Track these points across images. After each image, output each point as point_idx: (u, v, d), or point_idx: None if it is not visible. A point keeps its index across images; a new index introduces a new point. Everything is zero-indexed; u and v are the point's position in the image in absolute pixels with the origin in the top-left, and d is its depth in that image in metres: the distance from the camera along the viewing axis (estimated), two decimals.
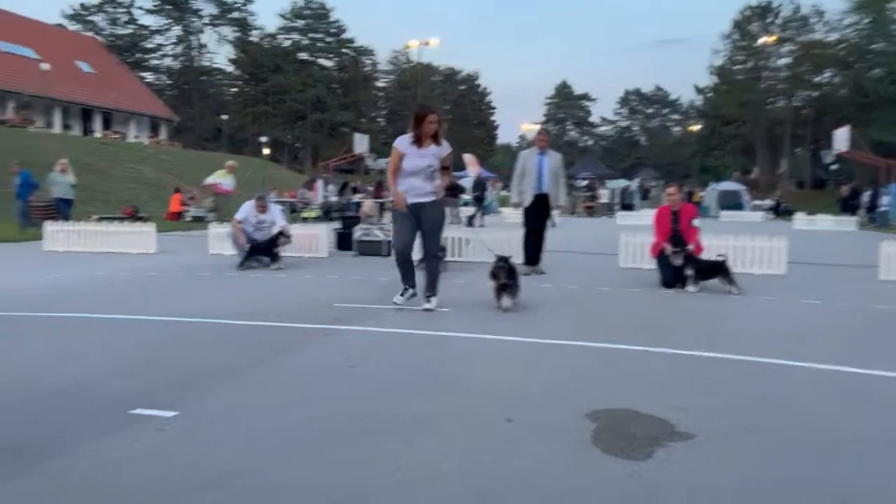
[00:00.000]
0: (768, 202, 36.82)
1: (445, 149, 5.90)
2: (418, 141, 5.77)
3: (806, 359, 4.26)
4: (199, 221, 22.18)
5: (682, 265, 7.28)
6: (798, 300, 6.87)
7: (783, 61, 58.56)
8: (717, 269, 7.26)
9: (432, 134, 5.79)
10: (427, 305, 5.90)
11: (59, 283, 7.74)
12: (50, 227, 12.15)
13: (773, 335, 5.18)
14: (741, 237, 9.43)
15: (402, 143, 5.87)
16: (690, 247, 7.41)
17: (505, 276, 5.85)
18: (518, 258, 9.49)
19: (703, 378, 3.83)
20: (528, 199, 8.66)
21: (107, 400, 3.25)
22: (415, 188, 5.82)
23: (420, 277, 6.05)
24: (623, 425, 2.99)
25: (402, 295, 6.04)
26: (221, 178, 13.81)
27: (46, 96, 37.31)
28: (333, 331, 5.04)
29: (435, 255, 6.05)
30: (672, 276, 7.50)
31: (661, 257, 7.71)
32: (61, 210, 15.13)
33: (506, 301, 5.86)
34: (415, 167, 5.78)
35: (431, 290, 6.00)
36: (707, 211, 32.77)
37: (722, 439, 2.83)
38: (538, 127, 9.38)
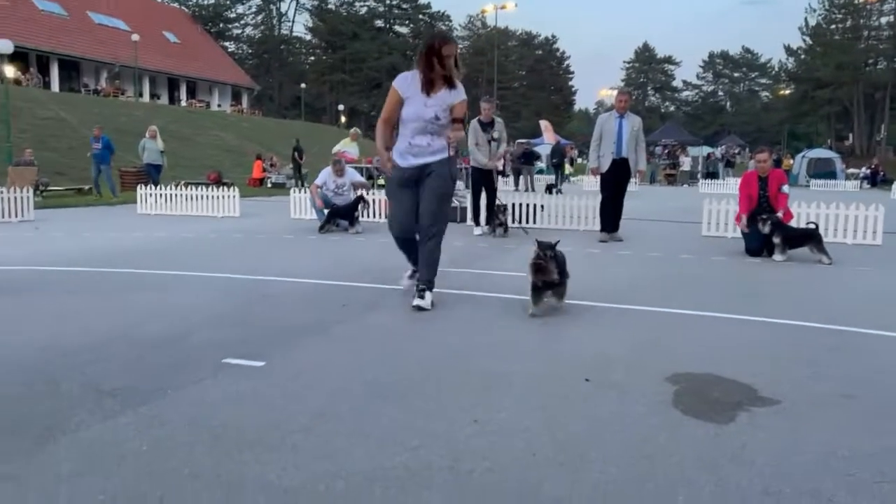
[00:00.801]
0: (864, 170, 34.80)
1: (459, 94, 4.40)
2: (428, 84, 4.33)
3: None
4: (280, 188, 22.84)
5: (769, 233, 6.99)
6: (895, 271, 6.50)
7: (885, 20, 54.56)
8: (808, 237, 6.95)
9: (446, 75, 4.32)
10: (418, 302, 4.33)
11: (152, 242, 8.15)
12: (141, 192, 12.77)
13: (867, 305, 4.93)
14: (833, 205, 8.96)
15: (404, 82, 4.45)
16: (779, 213, 7.10)
17: (549, 272, 4.17)
18: (588, 229, 9.38)
19: (790, 346, 3.69)
20: (605, 164, 8.47)
21: (200, 350, 3.43)
22: (417, 146, 4.40)
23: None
24: (705, 389, 2.93)
25: (409, 277, 4.85)
26: (347, 147, 14.24)
27: (136, 66, 38.84)
28: (408, 291, 5.11)
29: (435, 235, 4.45)
30: (758, 245, 7.23)
31: (746, 224, 7.43)
32: (151, 175, 15.84)
33: (550, 301, 4.34)
34: (417, 117, 4.35)
35: (427, 281, 4.46)
36: (796, 180, 31.27)
37: (809, 407, 2.73)
38: (615, 92, 9.07)
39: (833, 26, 56.77)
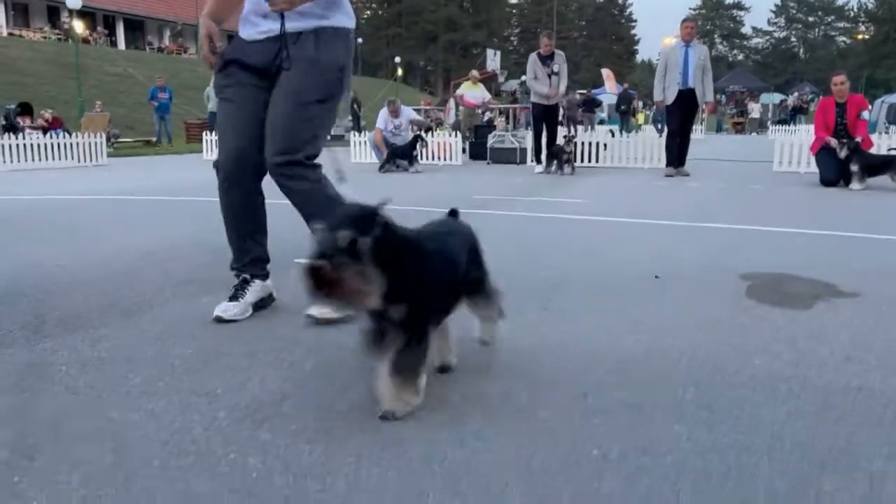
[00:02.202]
0: None
1: None
2: None
3: None
4: (339, 140, 23.00)
5: (846, 159, 6.67)
6: None
7: None
8: (889, 164, 6.60)
9: None
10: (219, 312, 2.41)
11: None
12: (207, 139, 13.06)
13: None
14: None
15: None
16: (858, 139, 6.76)
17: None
18: (654, 167, 9.14)
19: (864, 254, 3.56)
20: (671, 96, 8.20)
21: (276, 251, 3.51)
22: None
23: None
24: (780, 285, 2.86)
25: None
26: (467, 90, 13.66)
27: (197, 24, 39.41)
28: (473, 214, 5.11)
29: (294, 177, 2.48)
30: (834, 174, 6.92)
31: (820, 153, 7.11)
32: (212, 124, 16.17)
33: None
34: None
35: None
36: (875, 128, 29.65)
37: (890, 300, 2.63)
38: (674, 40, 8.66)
39: None
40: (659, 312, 2.43)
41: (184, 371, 1.87)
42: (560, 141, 9.01)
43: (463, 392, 1.72)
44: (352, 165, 11.00)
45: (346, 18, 2.32)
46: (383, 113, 10.29)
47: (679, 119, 8.33)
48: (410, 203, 5.70)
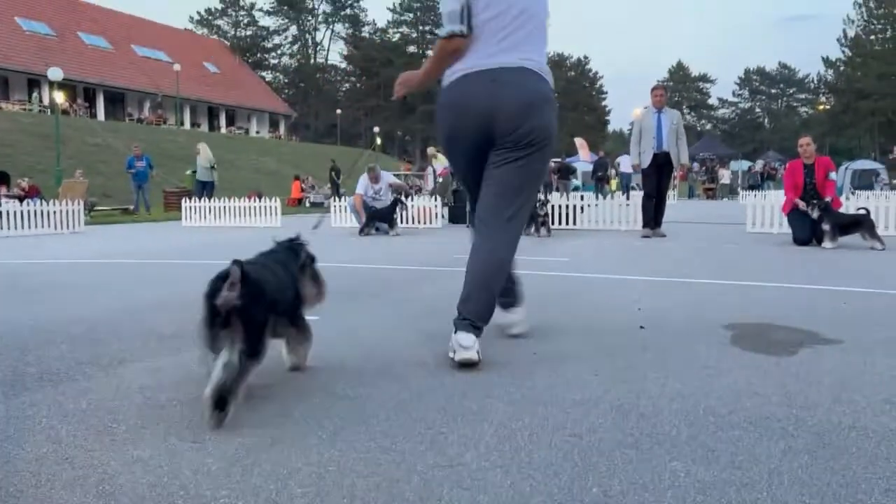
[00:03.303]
0: None
1: None
2: None
3: None
4: (319, 207, 23.14)
5: (818, 219, 6.85)
6: None
7: None
8: (859, 223, 6.78)
9: None
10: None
11: (200, 243, 8.33)
12: (186, 205, 13.08)
13: None
14: (884, 197, 8.75)
15: None
16: (828, 199, 6.96)
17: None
18: (630, 229, 9.31)
19: (849, 305, 3.61)
20: (647, 160, 8.43)
21: None
22: None
23: None
24: (763, 333, 2.89)
25: None
26: (437, 164, 14.89)
27: (177, 96, 39.98)
28: (456, 271, 5.13)
29: None
30: (807, 234, 7.08)
31: (793, 214, 7.30)
32: (199, 193, 16.17)
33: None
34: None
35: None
36: (841, 192, 30.56)
37: (872, 345, 2.66)
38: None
39: (872, 37, 55.86)
40: (647, 361, 2.44)
41: (171, 419, 1.82)
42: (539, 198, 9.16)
43: (461, 433, 1.70)
44: (331, 229, 11.05)
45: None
46: (363, 179, 10.41)
47: (655, 182, 8.53)
48: (390, 263, 5.75)
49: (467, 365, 2.28)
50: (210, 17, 65.85)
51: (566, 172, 24.04)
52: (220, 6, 65.74)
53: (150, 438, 1.67)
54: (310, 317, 3.21)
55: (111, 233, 11.42)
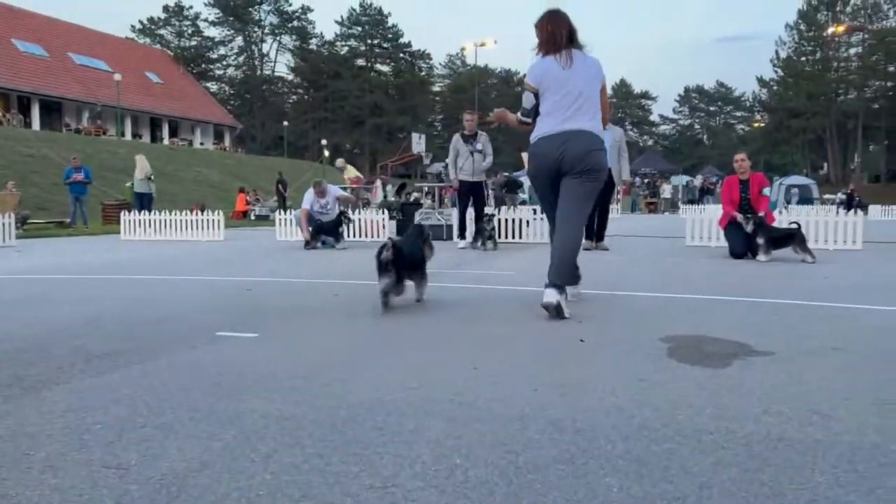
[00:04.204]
0: (840, 195, 35.40)
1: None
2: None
3: (889, 304, 4.10)
4: (265, 220, 22.78)
5: (753, 233, 7.08)
6: (879, 266, 6.61)
7: (854, 51, 56.27)
8: (791, 237, 7.04)
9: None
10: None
11: (138, 258, 8.09)
12: (125, 218, 12.71)
13: (854, 288, 5.00)
14: (815, 212, 9.12)
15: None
16: (762, 214, 7.21)
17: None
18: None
19: (780, 316, 3.73)
20: None
21: (193, 326, 3.40)
22: None
23: None
24: (698, 345, 2.95)
25: None
26: (352, 173, 15.13)
27: (118, 106, 38.94)
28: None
29: None
30: (742, 247, 7.31)
31: (729, 228, 7.53)
32: (136, 206, 15.74)
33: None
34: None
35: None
36: (775, 206, 31.75)
37: (802, 356, 2.75)
38: None
39: (803, 58, 58.37)
40: (585, 374, 2.46)
41: (94, 444, 1.75)
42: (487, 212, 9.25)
43: (396, 452, 1.68)
44: (277, 242, 10.88)
45: None
46: (309, 193, 10.31)
47: (597, 197, 8.66)
48: (334, 277, 5.69)
49: (547, 308, 3.55)
50: (153, 27, 64.49)
51: (513, 186, 24.31)
52: (163, 15, 64.47)
53: (71, 466, 1.60)
54: (249, 334, 3.16)
55: (45, 247, 10.99)
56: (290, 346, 2.91)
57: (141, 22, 64.16)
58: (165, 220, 12.45)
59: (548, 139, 3.86)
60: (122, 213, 12.94)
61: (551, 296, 3.54)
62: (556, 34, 3.91)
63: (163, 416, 1.98)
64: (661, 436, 1.81)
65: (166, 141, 44.99)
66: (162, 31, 64.88)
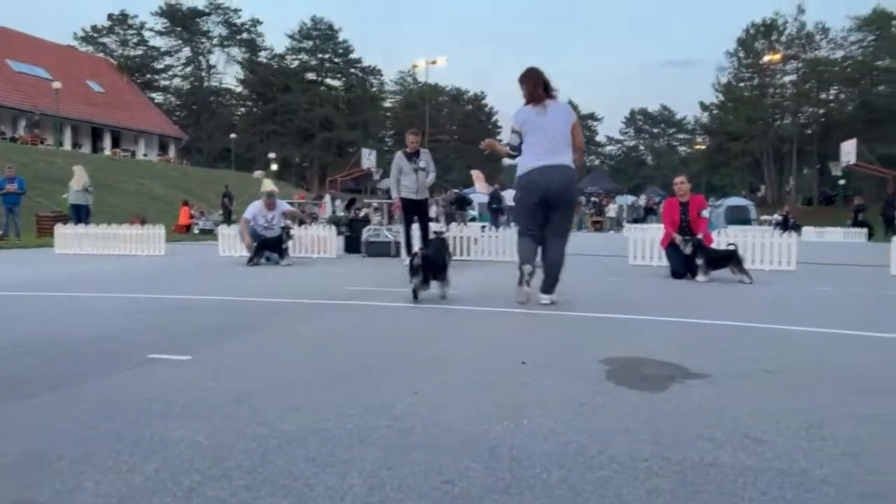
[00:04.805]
0: (776, 217, 36.71)
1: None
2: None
3: (823, 326, 4.24)
4: (209, 234, 22.29)
5: (692, 254, 7.25)
6: (811, 287, 6.84)
7: (789, 78, 58.74)
8: (729, 258, 7.23)
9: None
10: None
11: (72, 274, 7.79)
12: (60, 231, 12.24)
13: (787, 310, 5.16)
14: (752, 234, 9.40)
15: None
16: (700, 236, 7.39)
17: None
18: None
19: (715, 338, 3.81)
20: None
21: (125, 348, 3.27)
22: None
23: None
24: (637, 368, 2.98)
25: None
26: (268, 187, 14.99)
27: (57, 115, 37.69)
28: (345, 305, 5.05)
29: None
30: (682, 267, 7.48)
31: (670, 248, 7.70)
32: (73, 218, 15.17)
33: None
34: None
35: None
36: (715, 226, 32.72)
37: (737, 379, 2.81)
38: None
39: (742, 84, 60.54)
40: (526, 398, 2.45)
41: (5, 479, 1.64)
42: (431, 236, 9.20)
43: (328, 484, 1.62)
44: (219, 258, 10.64)
45: None
46: (256, 205, 10.10)
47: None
48: (274, 295, 5.56)
49: (547, 303, 4.94)
50: (96, 35, 62.74)
51: (463, 203, 24.43)
52: (107, 24, 62.85)
53: None
54: (182, 356, 3.05)
55: None
56: (223, 370, 2.82)
57: (84, 30, 62.39)
58: (103, 234, 12.04)
59: (536, 171, 4.95)
60: (58, 226, 12.45)
61: (545, 298, 5.00)
62: (534, 90, 5.05)
63: (83, 446, 1.88)
64: (596, 463, 1.81)
65: (108, 151, 43.69)
66: (105, 40, 63.15)
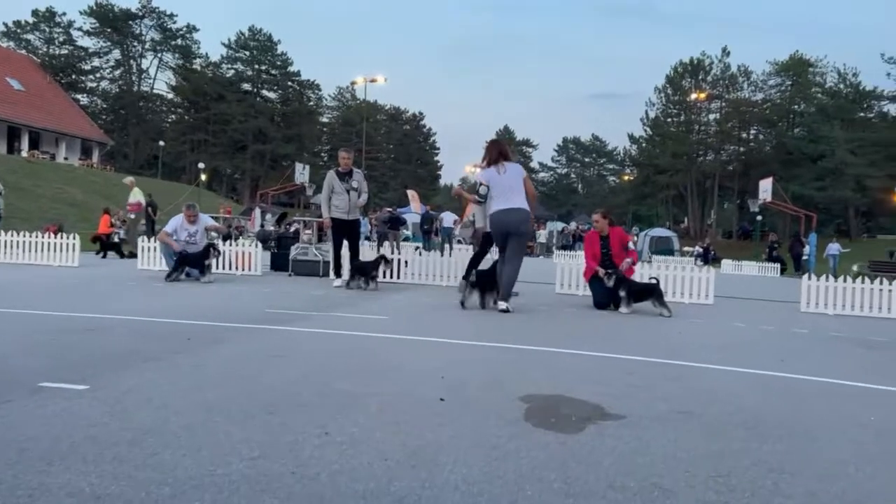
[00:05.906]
0: (697, 248, 38.14)
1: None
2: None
3: (735, 364, 4.35)
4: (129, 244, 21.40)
5: (614, 286, 7.39)
6: (726, 322, 7.06)
7: (713, 116, 61.56)
8: (650, 292, 7.40)
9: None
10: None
11: None
12: None
13: (703, 346, 5.28)
14: (672, 267, 9.68)
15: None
16: (623, 266, 7.55)
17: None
18: (451, 285, 9.58)
19: (634, 375, 3.85)
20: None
21: (14, 374, 3.04)
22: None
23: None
24: (555, 407, 2.97)
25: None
26: (136, 196, 14.54)
27: None
28: (262, 329, 4.88)
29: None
30: (605, 298, 7.61)
31: (593, 280, 7.83)
32: None
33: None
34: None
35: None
36: (641, 255, 33.73)
37: (652, 421, 2.83)
38: (477, 169, 9.69)
39: (669, 119, 63.07)
40: (440, 439, 2.39)
41: None
42: (372, 257, 9.16)
43: None
44: (137, 271, 10.20)
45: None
46: (178, 218, 9.77)
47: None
48: (191, 317, 5.30)
49: (504, 311, 6.60)
50: (19, 31, 60.01)
51: (396, 223, 24.34)
52: (31, 20, 60.18)
53: None
54: (77, 385, 2.85)
55: None
56: (121, 403, 2.65)
57: (6, 24, 59.61)
58: (12, 241, 11.38)
59: (501, 213, 6.79)
60: None
61: (503, 305, 6.67)
62: (497, 156, 7.03)
63: (41, 476, 1.70)
64: None
65: (25, 153, 41.59)
66: (29, 36, 60.49)
